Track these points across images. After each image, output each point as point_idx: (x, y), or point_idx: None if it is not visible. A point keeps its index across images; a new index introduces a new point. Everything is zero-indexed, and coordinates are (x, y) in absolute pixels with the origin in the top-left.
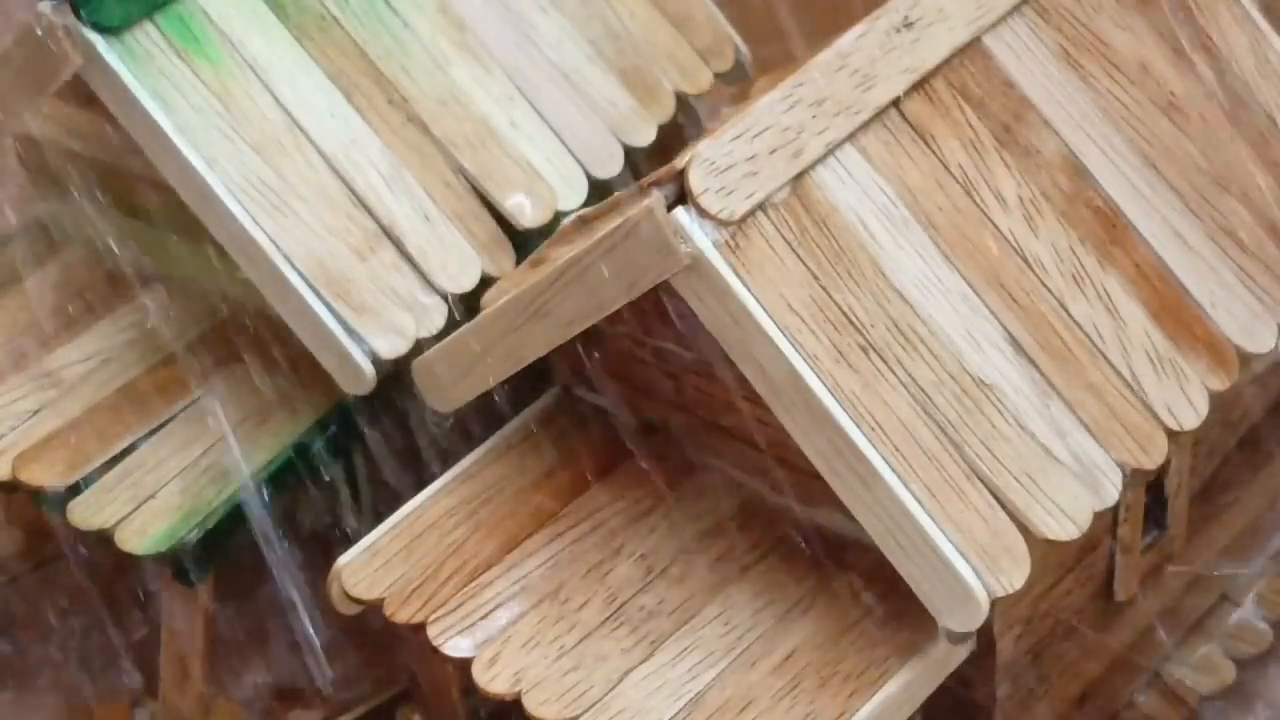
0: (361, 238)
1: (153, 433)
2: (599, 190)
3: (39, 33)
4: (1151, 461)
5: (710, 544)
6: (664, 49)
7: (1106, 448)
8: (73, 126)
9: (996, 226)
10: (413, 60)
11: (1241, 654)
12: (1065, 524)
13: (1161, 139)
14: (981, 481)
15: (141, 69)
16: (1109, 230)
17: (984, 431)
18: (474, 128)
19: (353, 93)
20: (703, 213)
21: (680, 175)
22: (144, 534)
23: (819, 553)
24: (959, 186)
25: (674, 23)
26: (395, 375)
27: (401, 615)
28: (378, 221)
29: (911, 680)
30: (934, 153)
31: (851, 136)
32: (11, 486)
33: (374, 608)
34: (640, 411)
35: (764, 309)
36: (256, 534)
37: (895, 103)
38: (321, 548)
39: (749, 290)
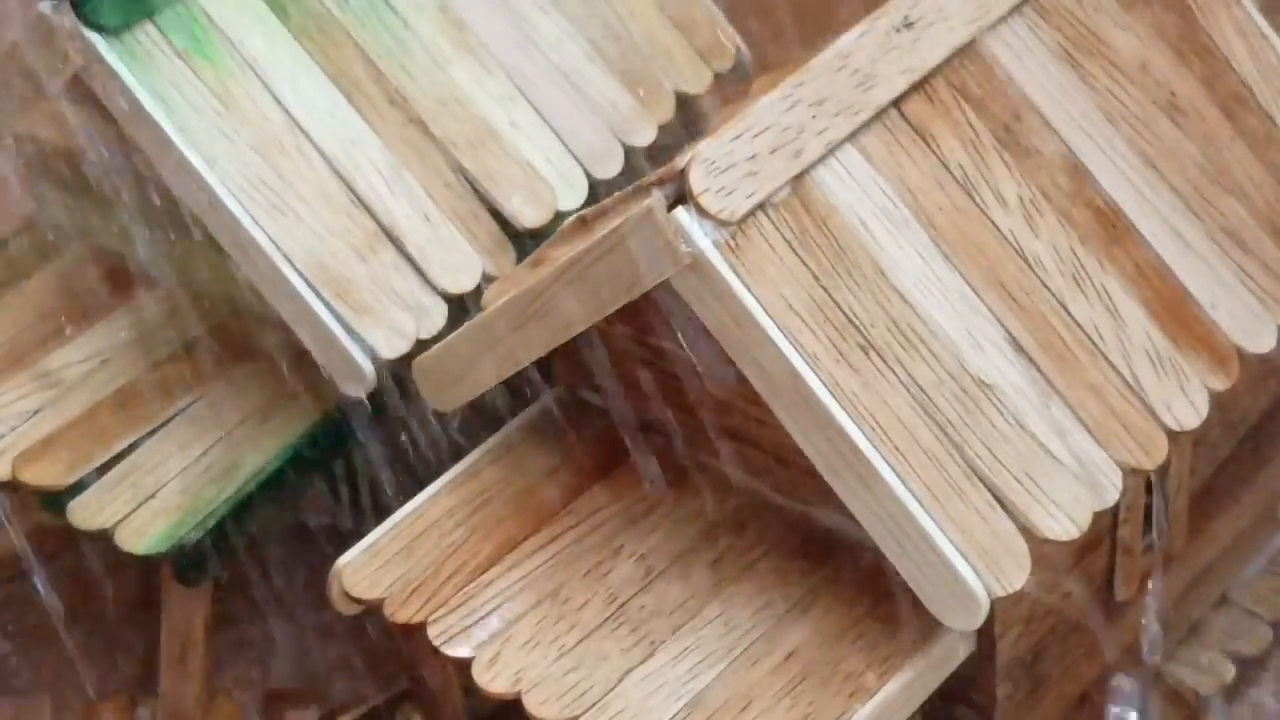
0: (362, 238)
1: (153, 433)
2: (599, 190)
3: (39, 33)
4: (1151, 461)
5: (710, 544)
6: (664, 49)
7: (1106, 448)
8: (72, 126)
9: (997, 226)
10: (413, 60)
11: (1241, 654)
12: (1065, 524)
13: (1161, 139)
14: (981, 481)
15: (141, 69)
16: (1109, 230)
17: (984, 431)
18: (474, 128)
19: (353, 93)
20: (703, 213)
21: (680, 175)
22: (144, 534)
23: (819, 553)
24: (959, 186)
25: (674, 23)
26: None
27: (401, 615)
28: (378, 221)
29: (911, 680)
30: (934, 152)
31: (852, 136)
32: (12, 486)
33: (374, 608)
34: (640, 411)
35: (764, 309)
36: (256, 534)
37: (895, 102)
38: (321, 547)
39: (749, 290)
